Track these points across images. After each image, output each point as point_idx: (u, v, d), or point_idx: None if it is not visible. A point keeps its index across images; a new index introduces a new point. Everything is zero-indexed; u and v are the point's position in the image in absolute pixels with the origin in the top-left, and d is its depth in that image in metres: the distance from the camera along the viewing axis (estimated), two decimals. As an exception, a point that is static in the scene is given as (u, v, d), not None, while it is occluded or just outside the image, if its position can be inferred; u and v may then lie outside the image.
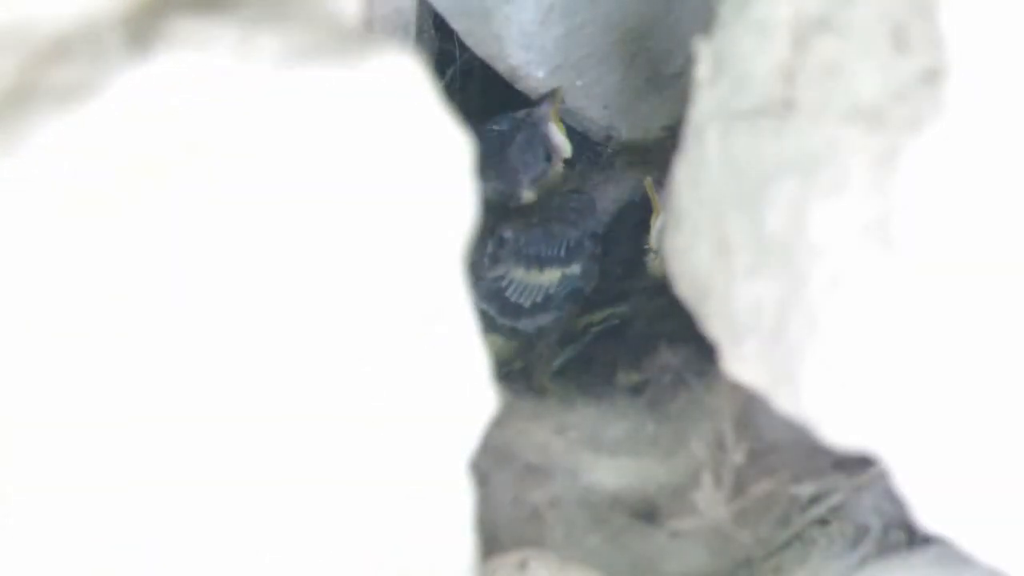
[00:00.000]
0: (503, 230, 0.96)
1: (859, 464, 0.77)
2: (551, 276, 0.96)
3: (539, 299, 0.96)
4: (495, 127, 0.99)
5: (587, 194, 0.99)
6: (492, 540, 0.75)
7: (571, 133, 1.02)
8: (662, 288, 0.80)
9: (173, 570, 0.56)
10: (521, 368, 0.96)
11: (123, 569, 0.56)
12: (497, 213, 0.97)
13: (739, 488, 0.79)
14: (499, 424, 0.66)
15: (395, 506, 0.61)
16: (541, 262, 0.96)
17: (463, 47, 1.05)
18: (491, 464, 0.79)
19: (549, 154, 0.99)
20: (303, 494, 0.58)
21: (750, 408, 0.78)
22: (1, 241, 0.55)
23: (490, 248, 0.96)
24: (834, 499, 0.79)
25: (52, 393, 0.55)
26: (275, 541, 0.58)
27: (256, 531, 0.57)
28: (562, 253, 0.97)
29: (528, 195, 0.99)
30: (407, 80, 0.59)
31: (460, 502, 0.64)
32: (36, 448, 0.55)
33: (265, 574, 0.58)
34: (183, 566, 0.56)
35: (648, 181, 0.97)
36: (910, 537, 0.77)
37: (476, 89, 1.08)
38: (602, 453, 0.83)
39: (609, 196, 1.01)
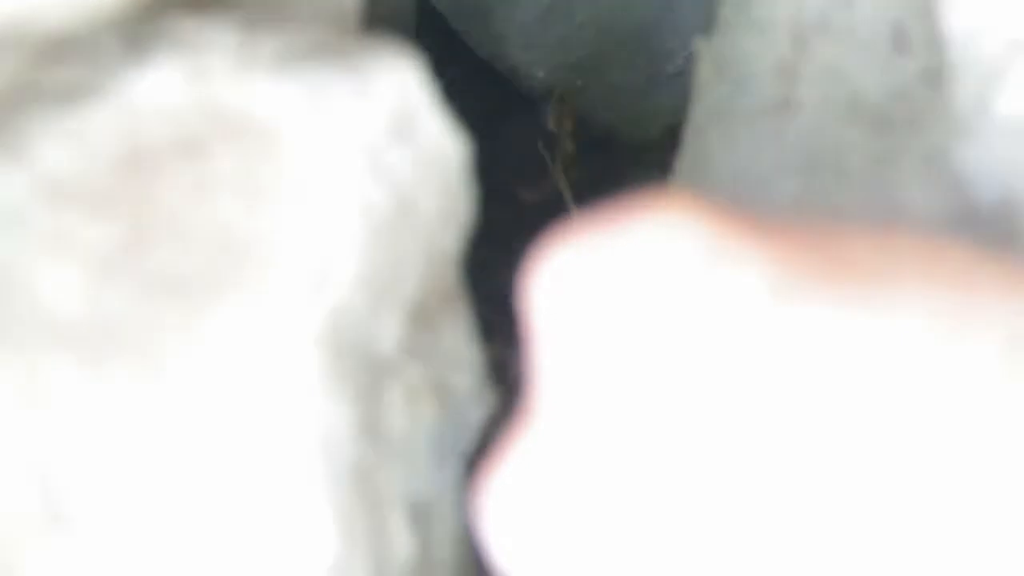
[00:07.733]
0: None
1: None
2: None
3: None
4: None
5: None
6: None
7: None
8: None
9: None
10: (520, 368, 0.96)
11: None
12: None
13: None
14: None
15: (391, 504, 0.61)
16: None
17: (463, 47, 1.05)
18: (491, 464, 0.79)
19: None
20: (299, 483, 0.58)
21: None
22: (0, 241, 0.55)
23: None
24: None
25: None
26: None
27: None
28: None
29: None
30: (406, 81, 0.59)
31: (455, 503, 0.64)
32: None
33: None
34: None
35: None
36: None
37: (476, 89, 1.08)
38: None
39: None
